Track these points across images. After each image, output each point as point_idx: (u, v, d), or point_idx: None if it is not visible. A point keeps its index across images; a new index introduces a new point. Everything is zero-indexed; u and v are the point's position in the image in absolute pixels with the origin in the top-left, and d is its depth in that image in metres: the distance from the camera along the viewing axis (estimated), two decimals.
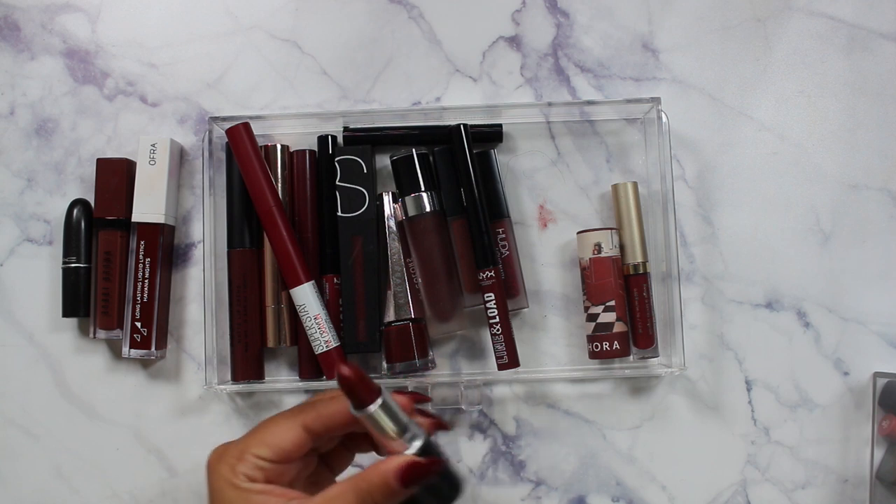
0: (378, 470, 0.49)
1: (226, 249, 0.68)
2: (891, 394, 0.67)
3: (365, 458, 0.59)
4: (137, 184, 0.67)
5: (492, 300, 0.65)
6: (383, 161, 0.69)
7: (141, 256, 0.67)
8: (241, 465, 0.51)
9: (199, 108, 0.71)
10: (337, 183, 0.67)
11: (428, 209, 0.66)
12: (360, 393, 0.49)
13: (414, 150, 0.66)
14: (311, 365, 0.67)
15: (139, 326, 0.67)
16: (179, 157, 0.70)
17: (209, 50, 0.71)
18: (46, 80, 0.71)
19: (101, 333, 0.68)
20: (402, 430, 0.50)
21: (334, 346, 0.66)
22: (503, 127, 0.69)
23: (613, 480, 0.69)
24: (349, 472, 0.55)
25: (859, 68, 0.70)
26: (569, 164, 0.70)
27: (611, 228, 0.67)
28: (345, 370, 0.48)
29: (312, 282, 0.66)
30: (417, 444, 0.50)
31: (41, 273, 0.70)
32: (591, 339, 0.67)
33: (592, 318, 0.66)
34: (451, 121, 0.67)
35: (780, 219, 0.69)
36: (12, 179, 0.71)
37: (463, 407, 0.66)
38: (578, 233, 0.67)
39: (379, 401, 0.49)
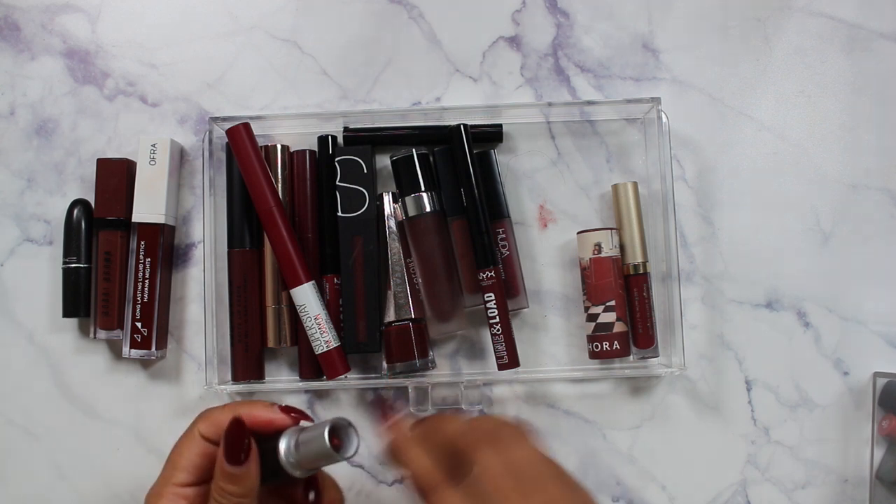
0: None
1: (226, 249, 0.68)
2: (891, 394, 0.67)
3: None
4: (137, 184, 0.67)
5: (492, 300, 0.65)
6: (383, 161, 0.69)
7: (141, 256, 0.67)
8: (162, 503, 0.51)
9: (199, 108, 0.71)
10: (337, 183, 0.67)
11: (428, 209, 0.66)
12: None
13: (414, 150, 0.66)
14: (311, 365, 0.67)
15: (139, 326, 0.67)
16: (179, 158, 0.70)
17: (209, 50, 0.71)
18: (46, 80, 0.71)
19: (102, 333, 0.68)
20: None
21: (334, 346, 0.66)
22: (503, 127, 0.69)
23: (613, 480, 0.69)
24: None
25: (859, 68, 0.70)
26: (569, 164, 0.70)
27: (611, 228, 0.67)
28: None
29: (313, 282, 0.66)
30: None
31: (41, 273, 0.70)
32: (591, 339, 0.67)
33: (592, 318, 0.66)
34: (451, 121, 0.67)
35: (780, 219, 0.69)
36: (12, 179, 0.71)
37: (463, 407, 0.66)
38: (578, 233, 0.67)
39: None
